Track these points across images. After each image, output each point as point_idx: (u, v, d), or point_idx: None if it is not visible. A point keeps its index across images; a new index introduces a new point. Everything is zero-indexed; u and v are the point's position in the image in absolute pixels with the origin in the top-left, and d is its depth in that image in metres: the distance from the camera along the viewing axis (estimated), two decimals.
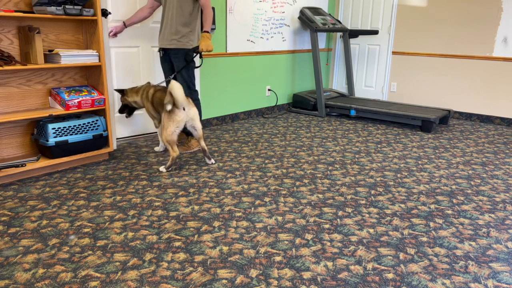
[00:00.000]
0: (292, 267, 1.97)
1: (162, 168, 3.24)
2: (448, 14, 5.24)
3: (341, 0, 6.12)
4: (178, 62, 3.51)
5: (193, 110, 3.23)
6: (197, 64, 3.95)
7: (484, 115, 5.21)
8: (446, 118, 4.96)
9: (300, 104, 5.57)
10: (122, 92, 3.57)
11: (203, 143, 3.35)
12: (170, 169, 3.24)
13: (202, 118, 4.58)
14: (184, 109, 3.15)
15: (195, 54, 3.53)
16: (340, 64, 6.33)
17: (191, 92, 3.59)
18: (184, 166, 3.34)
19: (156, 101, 3.39)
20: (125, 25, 3.59)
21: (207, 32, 3.43)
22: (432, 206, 2.70)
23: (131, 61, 3.92)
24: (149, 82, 3.57)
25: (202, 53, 3.55)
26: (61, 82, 3.28)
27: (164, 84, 3.96)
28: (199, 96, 4.35)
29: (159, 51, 3.62)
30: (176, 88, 3.02)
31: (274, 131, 4.54)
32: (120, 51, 3.81)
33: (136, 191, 2.83)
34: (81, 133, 3.20)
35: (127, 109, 3.65)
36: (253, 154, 3.71)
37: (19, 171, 2.92)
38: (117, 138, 3.95)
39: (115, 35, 3.59)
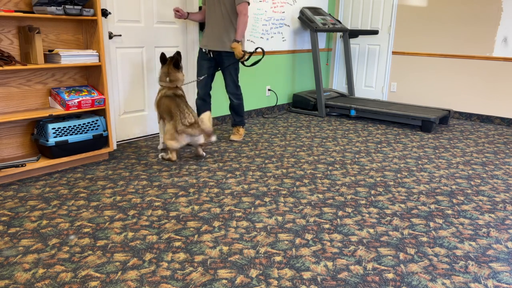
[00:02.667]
0: (292, 267, 1.97)
1: (161, 154, 3.47)
2: (448, 14, 5.24)
3: (341, 0, 6.12)
4: (230, 62, 3.81)
5: (201, 137, 3.38)
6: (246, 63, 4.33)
7: (484, 115, 5.21)
8: (446, 118, 4.96)
9: (300, 104, 5.57)
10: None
11: (201, 151, 3.52)
12: (162, 158, 3.44)
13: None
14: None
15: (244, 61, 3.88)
16: (340, 64, 6.33)
17: (236, 87, 3.95)
18: (184, 166, 3.34)
19: (163, 108, 3.42)
20: (187, 15, 3.85)
21: (237, 41, 3.68)
22: (432, 206, 2.70)
23: (135, 62, 3.92)
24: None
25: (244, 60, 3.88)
26: (61, 82, 3.28)
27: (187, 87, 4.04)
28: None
29: (207, 52, 3.83)
30: (207, 119, 3.29)
31: (274, 131, 4.54)
32: (125, 51, 3.81)
33: (136, 191, 2.83)
34: (81, 133, 3.20)
35: None
36: (253, 154, 3.71)
37: (19, 171, 2.92)
38: (117, 141, 3.94)
39: (179, 14, 3.80)
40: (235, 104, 4.02)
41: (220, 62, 3.87)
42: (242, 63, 3.86)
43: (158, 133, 4.30)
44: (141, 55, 3.96)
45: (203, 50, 3.86)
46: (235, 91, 3.95)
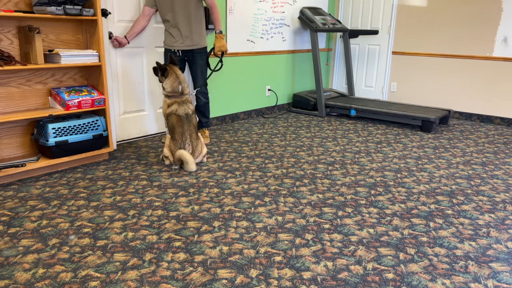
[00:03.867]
0: (292, 267, 1.97)
1: (162, 155, 3.41)
2: (448, 14, 5.24)
3: (341, 0, 6.12)
4: (201, 61, 3.79)
5: (192, 165, 3.22)
6: (216, 67, 4.22)
7: (484, 115, 5.21)
8: (446, 118, 4.96)
9: (300, 104, 5.57)
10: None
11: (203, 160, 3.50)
12: (162, 158, 3.42)
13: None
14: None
15: (219, 57, 3.90)
16: (340, 64, 6.33)
17: (205, 86, 3.91)
18: None
19: (170, 125, 3.28)
20: (128, 41, 3.69)
21: (221, 32, 3.73)
22: (432, 206, 2.70)
23: (135, 62, 3.92)
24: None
25: (222, 54, 3.89)
26: (61, 82, 3.28)
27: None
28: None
29: (174, 52, 3.75)
30: (190, 161, 3.20)
31: (274, 131, 4.54)
32: (125, 51, 3.81)
33: (136, 191, 2.83)
34: (81, 133, 3.20)
35: None
36: (253, 154, 3.71)
37: (19, 171, 2.92)
38: (117, 141, 3.94)
39: (119, 44, 3.68)
40: (203, 103, 3.93)
41: (191, 61, 3.79)
42: (221, 59, 3.92)
43: (158, 133, 4.31)
44: (141, 55, 3.96)
45: (172, 50, 3.75)
46: (203, 90, 3.90)
